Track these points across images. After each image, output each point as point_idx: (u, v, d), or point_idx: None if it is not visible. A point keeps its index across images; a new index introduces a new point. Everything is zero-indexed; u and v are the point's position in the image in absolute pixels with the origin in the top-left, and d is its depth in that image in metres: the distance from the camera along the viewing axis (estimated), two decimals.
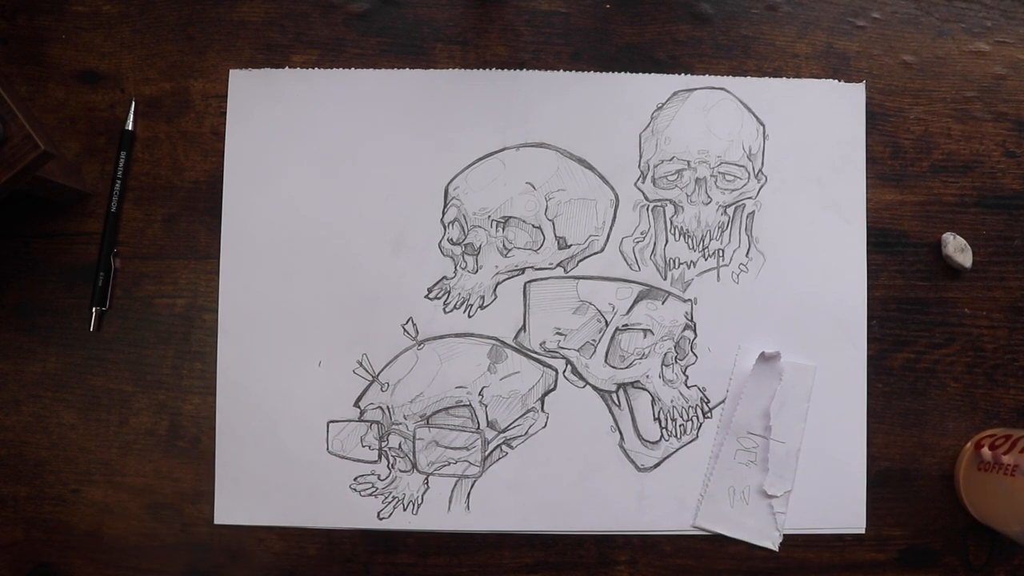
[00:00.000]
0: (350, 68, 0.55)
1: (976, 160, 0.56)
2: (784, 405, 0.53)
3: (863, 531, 0.54)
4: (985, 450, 0.52)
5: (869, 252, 0.55)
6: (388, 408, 0.53)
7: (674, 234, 0.55)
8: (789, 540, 0.53)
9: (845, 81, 0.56)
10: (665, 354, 0.54)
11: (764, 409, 0.53)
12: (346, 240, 0.54)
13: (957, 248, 0.55)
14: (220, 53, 0.55)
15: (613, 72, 0.55)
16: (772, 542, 0.53)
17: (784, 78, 0.55)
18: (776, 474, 0.53)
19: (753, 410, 0.54)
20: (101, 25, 0.55)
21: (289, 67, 0.55)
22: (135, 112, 0.54)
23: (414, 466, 0.53)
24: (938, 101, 0.56)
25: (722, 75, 0.55)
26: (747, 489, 0.53)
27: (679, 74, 0.55)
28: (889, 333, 0.55)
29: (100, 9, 0.55)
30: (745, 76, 0.55)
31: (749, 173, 0.55)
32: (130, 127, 0.54)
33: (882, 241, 0.55)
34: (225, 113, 0.54)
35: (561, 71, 0.55)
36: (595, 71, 0.55)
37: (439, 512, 0.53)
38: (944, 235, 0.55)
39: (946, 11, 0.57)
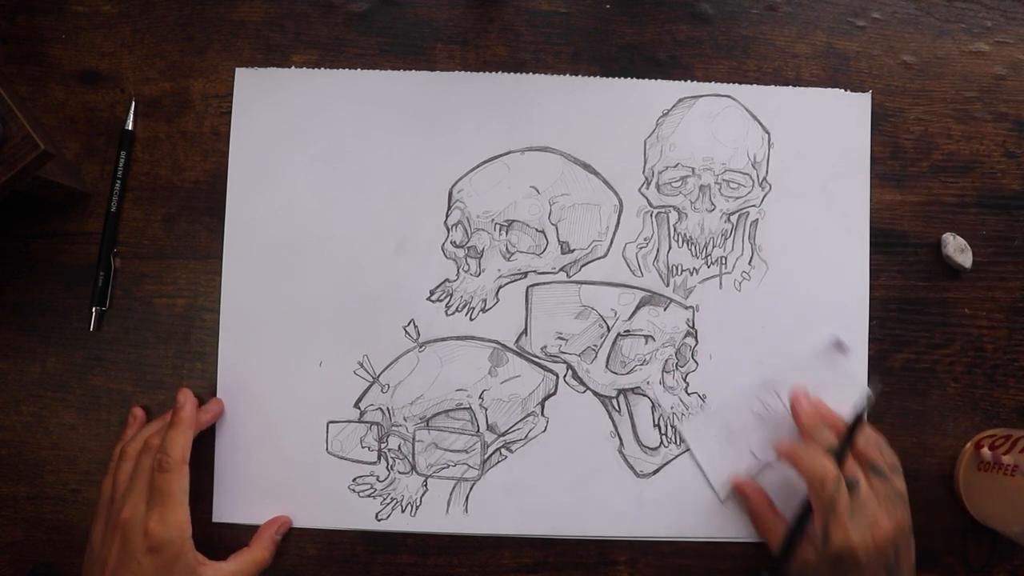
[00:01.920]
0: (351, 68, 0.55)
1: (976, 160, 0.56)
2: (820, 394, 0.53)
3: None
4: (985, 450, 0.52)
5: (869, 253, 0.55)
6: (388, 409, 0.53)
7: (677, 241, 0.55)
8: None
9: (846, 84, 0.56)
10: (666, 360, 0.54)
11: (802, 384, 0.53)
12: (349, 241, 0.54)
13: (957, 248, 0.55)
14: (220, 53, 0.55)
15: (614, 73, 0.55)
16: (720, 491, 0.53)
17: (790, 86, 0.55)
18: (770, 442, 0.53)
19: (792, 377, 0.53)
20: (101, 25, 0.55)
21: (289, 67, 0.55)
22: (135, 112, 0.54)
23: (413, 468, 0.53)
24: (938, 101, 0.56)
25: (722, 75, 0.55)
26: (738, 433, 0.53)
27: (682, 79, 0.55)
28: (889, 333, 0.55)
29: (100, 9, 0.55)
30: (745, 76, 0.55)
31: (753, 181, 0.55)
32: (130, 127, 0.54)
33: (882, 241, 0.55)
34: (225, 113, 0.54)
35: (566, 75, 0.55)
36: (595, 71, 0.55)
37: (437, 514, 0.53)
38: (944, 235, 0.55)
39: (946, 11, 0.57)
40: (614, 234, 0.55)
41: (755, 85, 0.55)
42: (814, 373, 0.53)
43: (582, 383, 0.54)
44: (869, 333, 0.54)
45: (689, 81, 0.55)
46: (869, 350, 0.54)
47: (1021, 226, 0.56)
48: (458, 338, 0.54)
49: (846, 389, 0.53)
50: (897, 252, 0.55)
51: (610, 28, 0.56)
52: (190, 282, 0.54)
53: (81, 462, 0.53)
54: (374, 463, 0.53)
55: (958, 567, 0.54)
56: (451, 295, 0.54)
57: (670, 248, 0.55)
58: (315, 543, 0.53)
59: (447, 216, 0.54)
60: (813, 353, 0.53)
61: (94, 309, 0.53)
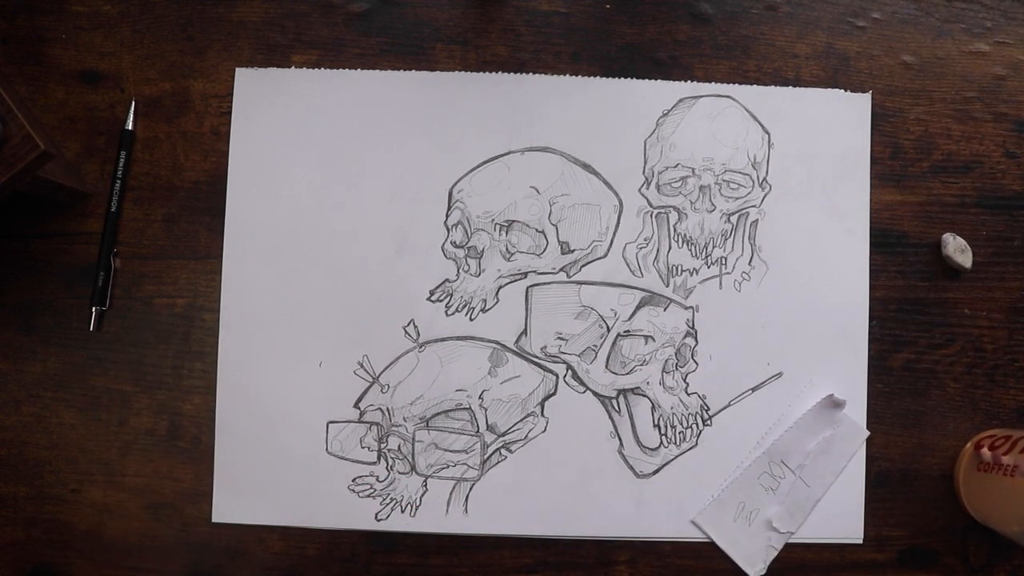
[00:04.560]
0: (351, 68, 0.55)
1: (976, 160, 0.56)
2: (825, 453, 0.53)
3: (861, 540, 0.53)
4: (985, 451, 0.52)
5: (869, 253, 0.55)
6: (388, 410, 0.53)
7: (677, 241, 0.55)
8: (788, 542, 0.53)
9: (846, 84, 0.56)
10: (666, 361, 0.54)
11: (806, 448, 0.53)
12: (349, 241, 0.54)
13: (957, 248, 0.55)
14: (220, 53, 0.55)
15: (614, 73, 0.55)
16: (753, 571, 0.53)
17: (790, 87, 0.55)
18: (788, 512, 0.53)
19: (796, 443, 0.53)
20: (101, 25, 0.55)
21: (289, 67, 0.55)
22: (135, 112, 0.54)
23: (413, 468, 0.53)
24: (938, 101, 0.56)
25: (722, 75, 0.55)
26: (755, 512, 0.53)
27: (682, 79, 0.55)
28: (889, 333, 0.55)
29: (100, 9, 0.55)
30: (745, 76, 0.55)
31: (753, 181, 0.55)
32: (130, 127, 0.54)
33: (882, 242, 0.55)
34: (225, 113, 0.54)
35: (567, 75, 0.55)
36: (595, 71, 0.55)
37: (437, 514, 0.53)
38: (944, 235, 0.55)
39: (946, 12, 0.57)
40: (614, 234, 0.55)
41: (755, 85, 0.55)
42: (817, 433, 0.53)
43: (582, 383, 0.54)
44: (869, 333, 0.55)
45: (689, 81, 0.55)
46: (869, 350, 0.54)
47: (1021, 226, 0.56)
48: (458, 338, 0.54)
49: (850, 440, 0.53)
50: (897, 252, 0.55)
51: (610, 28, 0.56)
52: (190, 282, 0.54)
53: (81, 462, 0.53)
54: (374, 463, 0.53)
55: (958, 567, 0.54)
56: (451, 295, 0.54)
57: (670, 248, 0.55)
58: (315, 543, 0.53)
59: (447, 216, 0.54)
60: (811, 415, 0.53)
61: (94, 309, 0.53)
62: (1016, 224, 0.56)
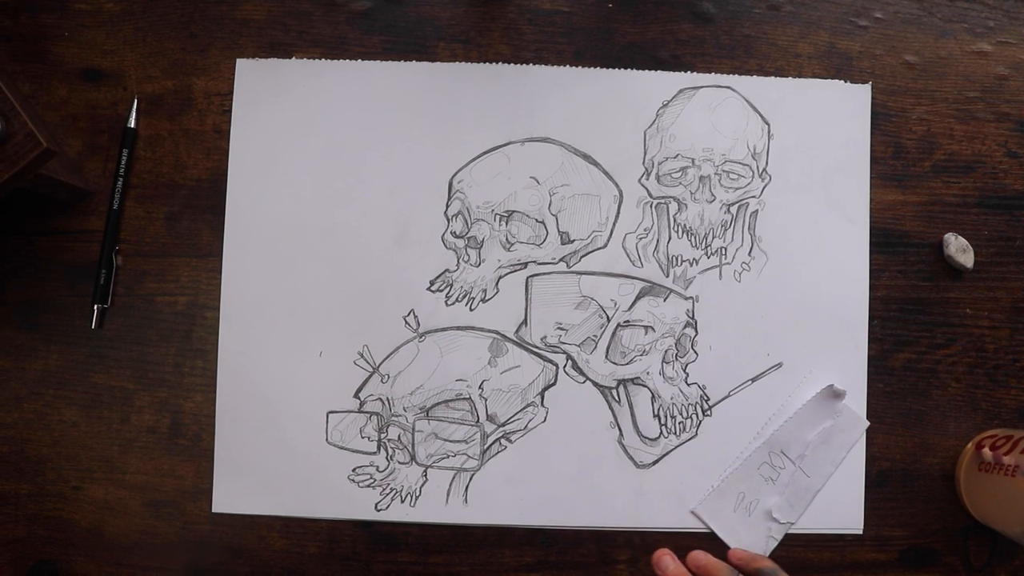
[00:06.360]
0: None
1: (978, 160, 0.56)
2: (825, 444, 0.53)
3: (861, 531, 0.54)
4: (986, 450, 0.51)
5: (871, 252, 0.55)
6: (388, 400, 0.53)
7: (677, 231, 0.55)
8: (789, 540, 0.53)
9: (849, 81, 0.56)
10: (666, 351, 0.54)
11: (806, 438, 0.53)
12: (350, 231, 0.54)
13: (959, 248, 0.55)
14: (223, 51, 0.55)
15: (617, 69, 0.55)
16: None
17: (790, 78, 0.55)
18: (788, 502, 0.53)
19: (796, 434, 0.53)
20: (104, 23, 0.55)
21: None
22: (137, 110, 0.54)
23: (413, 458, 0.53)
24: (940, 101, 0.56)
25: (724, 74, 0.55)
26: (755, 502, 0.53)
27: (684, 72, 0.55)
28: (890, 333, 0.55)
29: (103, 7, 0.55)
30: (750, 75, 0.55)
31: (753, 172, 0.55)
32: (132, 125, 0.54)
33: (884, 241, 0.55)
34: (227, 111, 0.54)
35: (567, 66, 0.55)
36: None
37: (437, 505, 0.53)
38: (946, 235, 0.55)
39: (949, 11, 0.57)
40: (614, 224, 0.55)
41: (755, 76, 0.55)
42: (816, 423, 0.53)
43: (582, 373, 0.54)
44: (870, 333, 0.54)
45: (689, 72, 0.55)
46: (870, 350, 0.54)
47: (1023, 226, 0.56)
48: (458, 328, 0.54)
49: (849, 431, 0.53)
50: (899, 252, 0.55)
51: (612, 27, 0.56)
52: (192, 280, 0.54)
53: (83, 459, 0.53)
54: (374, 453, 0.53)
55: (959, 567, 0.54)
56: (451, 285, 0.54)
57: (670, 239, 0.55)
58: (316, 541, 0.53)
59: (447, 206, 0.54)
60: (811, 405, 0.53)
61: (96, 307, 0.53)
62: (1018, 224, 0.56)
